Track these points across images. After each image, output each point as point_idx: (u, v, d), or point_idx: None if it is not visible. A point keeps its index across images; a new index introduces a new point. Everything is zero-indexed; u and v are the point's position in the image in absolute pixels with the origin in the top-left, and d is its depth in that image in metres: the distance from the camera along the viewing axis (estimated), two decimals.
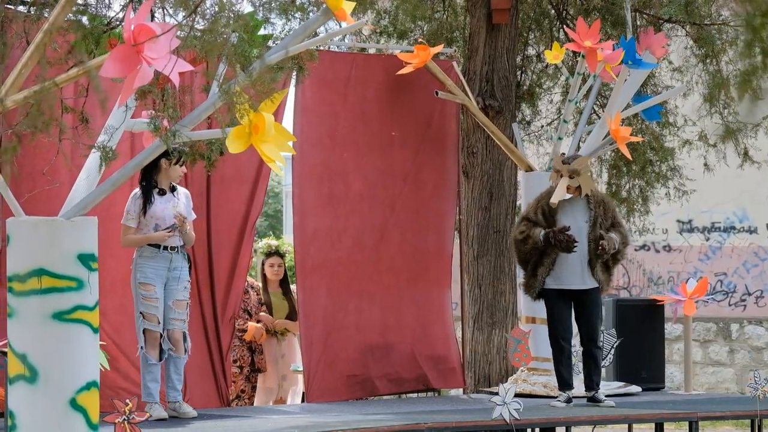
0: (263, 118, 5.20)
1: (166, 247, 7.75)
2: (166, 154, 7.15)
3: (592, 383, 8.58)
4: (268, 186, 9.27)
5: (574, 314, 8.64)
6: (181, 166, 7.79)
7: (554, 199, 8.45)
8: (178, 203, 7.84)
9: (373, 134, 9.56)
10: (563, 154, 9.00)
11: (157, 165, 7.70)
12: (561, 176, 8.51)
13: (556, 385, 9.20)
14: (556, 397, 8.63)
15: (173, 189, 7.88)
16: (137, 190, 7.81)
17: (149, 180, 7.76)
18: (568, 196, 8.52)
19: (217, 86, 5.25)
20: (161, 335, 7.70)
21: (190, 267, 7.90)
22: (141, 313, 7.69)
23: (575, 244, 8.36)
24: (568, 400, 8.51)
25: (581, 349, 8.66)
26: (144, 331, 7.68)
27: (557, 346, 8.58)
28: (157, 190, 7.78)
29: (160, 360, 7.71)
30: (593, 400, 8.53)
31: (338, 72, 9.39)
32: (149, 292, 7.66)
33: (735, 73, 10.74)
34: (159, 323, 7.69)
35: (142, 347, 7.68)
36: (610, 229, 8.57)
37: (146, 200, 7.74)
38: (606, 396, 9.21)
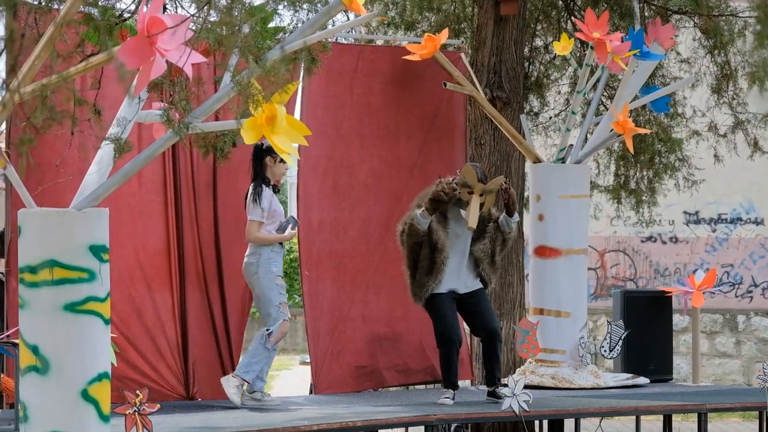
0: (276, 110, 5.20)
1: (281, 244, 8.16)
2: (270, 152, 7.92)
3: (494, 378, 8.26)
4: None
5: (467, 316, 8.38)
6: (283, 162, 8.09)
7: (472, 223, 8.06)
8: None
9: (379, 126, 9.56)
10: (476, 165, 8.40)
11: (263, 163, 8.08)
12: (470, 193, 8.08)
13: (564, 376, 9.22)
14: (564, 388, 8.60)
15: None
16: (266, 189, 8.11)
17: (264, 177, 8.12)
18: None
19: (229, 77, 5.24)
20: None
21: None
22: (279, 303, 8.07)
23: (456, 185, 7.97)
24: (454, 398, 8.20)
25: (487, 345, 8.25)
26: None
27: (447, 347, 8.17)
28: (272, 186, 8.17)
29: None
30: (493, 395, 8.16)
31: (345, 63, 9.38)
32: (282, 283, 8.08)
33: (743, 64, 10.74)
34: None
35: (270, 332, 8.01)
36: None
37: (271, 197, 8.13)
38: (613, 387, 9.23)
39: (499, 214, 8.38)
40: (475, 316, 8.35)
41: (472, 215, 8.09)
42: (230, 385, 7.95)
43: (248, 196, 8.17)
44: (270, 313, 8.06)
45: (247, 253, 8.21)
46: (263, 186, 8.10)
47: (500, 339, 8.36)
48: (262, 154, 8.12)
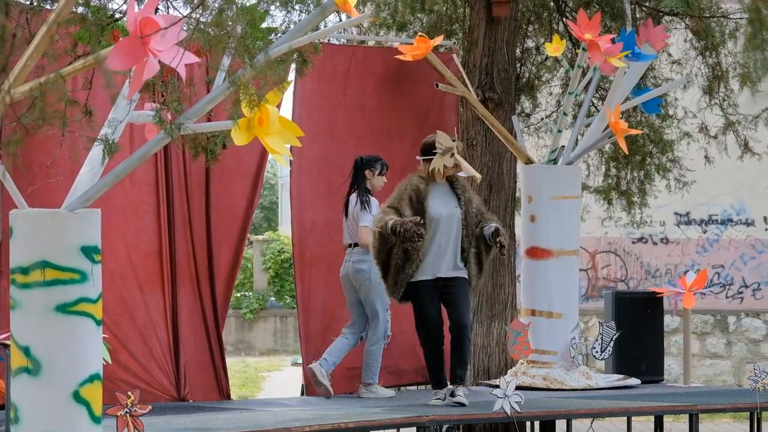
0: (268, 111, 5.19)
1: None
2: (369, 165, 8.56)
3: (454, 375, 7.99)
4: (264, 178, 9.31)
5: (443, 303, 8.09)
6: (381, 175, 8.66)
7: (473, 173, 8.04)
8: None
9: (373, 126, 9.57)
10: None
11: (363, 175, 8.59)
12: (451, 155, 8.01)
13: (556, 377, 9.22)
14: (558, 389, 8.60)
15: None
16: (372, 197, 8.58)
17: (365, 188, 8.59)
18: (463, 174, 8.17)
19: (222, 78, 5.23)
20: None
21: None
22: (387, 306, 8.61)
23: (420, 236, 7.76)
24: (445, 398, 8.02)
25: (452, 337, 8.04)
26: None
27: (429, 344, 8.02)
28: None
29: None
30: (451, 395, 7.93)
31: (337, 64, 9.39)
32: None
33: (735, 65, 10.77)
34: None
35: (389, 336, 8.71)
36: (479, 216, 8.12)
37: (377, 206, 8.49)
38: (604, 388, 9.23)
39: (484, 231, 8.13)
40: (449, 305, 8.09)
41: (468, 168, 8.14)
42: (376, 391, 8.59)
43: (353, 204, 8.57)
44: (379, 315, 8.58)
45: (353, 259, 8.57)
46: (369, 195, 8.56)
47: (468, 336, 8.03)
48: (363, 167, 8.62)
